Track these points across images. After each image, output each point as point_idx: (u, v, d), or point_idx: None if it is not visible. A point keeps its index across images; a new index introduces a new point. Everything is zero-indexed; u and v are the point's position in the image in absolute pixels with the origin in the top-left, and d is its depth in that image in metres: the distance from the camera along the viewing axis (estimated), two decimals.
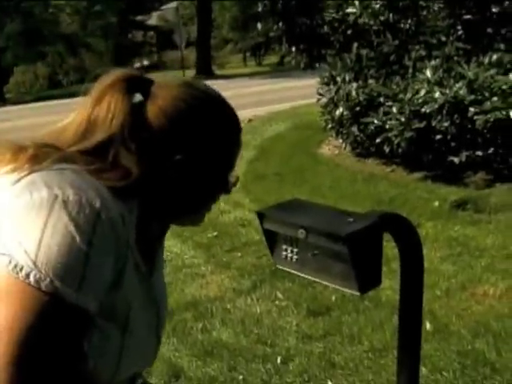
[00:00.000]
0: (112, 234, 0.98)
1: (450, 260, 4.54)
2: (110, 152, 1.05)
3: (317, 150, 9.14)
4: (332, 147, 9.10)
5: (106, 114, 1.07)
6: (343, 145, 8.57)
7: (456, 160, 6.70)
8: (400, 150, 7.03)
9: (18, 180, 0.98)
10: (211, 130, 1.14)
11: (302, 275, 1.48)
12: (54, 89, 28.15)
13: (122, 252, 1.01)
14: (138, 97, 1.09)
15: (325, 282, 1.44)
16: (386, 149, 7.23)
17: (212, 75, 27.80)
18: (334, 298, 3.95)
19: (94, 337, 1.01)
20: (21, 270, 0.90)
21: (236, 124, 1.20)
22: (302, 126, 10.99)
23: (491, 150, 6.60)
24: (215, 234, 5.51)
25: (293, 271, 1.50)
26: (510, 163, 6.63)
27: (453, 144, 6.76)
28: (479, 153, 6.61)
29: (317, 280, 1.45)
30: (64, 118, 1.13)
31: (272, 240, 1.49)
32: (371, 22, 8.37)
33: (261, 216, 1.45)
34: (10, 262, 0.91)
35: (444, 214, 5.65)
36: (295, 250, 1.46)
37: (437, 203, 5.94)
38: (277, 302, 4.03)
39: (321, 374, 3.15)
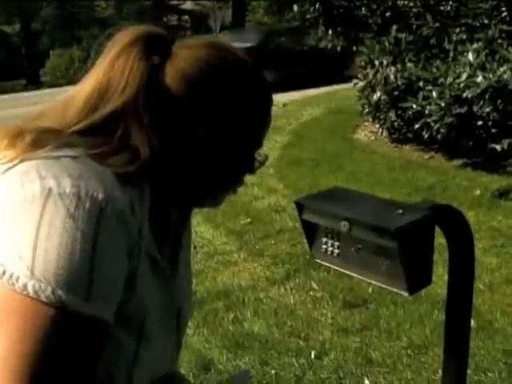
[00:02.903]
0: (120, 228, 0.83)
1: (492, 252, 4.35)
2: (119, 128, 0.90)
3: (352, 136, 8.94)
4: (368, 132, 8.90)
5: (120, 80, 0.91)
6: (380, 130, 8.37)
7: (498, 147, 6.49)
8: (439, 136, 6.81)
9: (8, 170, 0.85)
10: (239, 97, 0.97)
11: (344, 271, 1.36)
12: None
13: (134, 246, 0.87)
14: (157, 58, 0.93)
15: (369, 280, 1.32)
16: (425, 134, 7.01)
17: None
18: (370, 289, 3.79)
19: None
20: (17, 280, 0.76)
21: (267, 92, 1.03)
22: (337, 111, 10.78)
23: None
24: (248, 220, 5.38)
25: (334, 266, 1.38)
26: None
27: (494, 130, 6.53)
28: None
29: (360, 277, 1.33)
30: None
31: (311, 232, 1.36)
32: (411, 4, 8.14)
33: (299, 206, 1.32)
34: (5, 272, 0.76)
35: (486, 203, 5.44)
36: (336, 243, 1.34)
37: (478, 192, 5.73)
38: (311, 293, 3.89)
39: (357, 371, 3.00)
